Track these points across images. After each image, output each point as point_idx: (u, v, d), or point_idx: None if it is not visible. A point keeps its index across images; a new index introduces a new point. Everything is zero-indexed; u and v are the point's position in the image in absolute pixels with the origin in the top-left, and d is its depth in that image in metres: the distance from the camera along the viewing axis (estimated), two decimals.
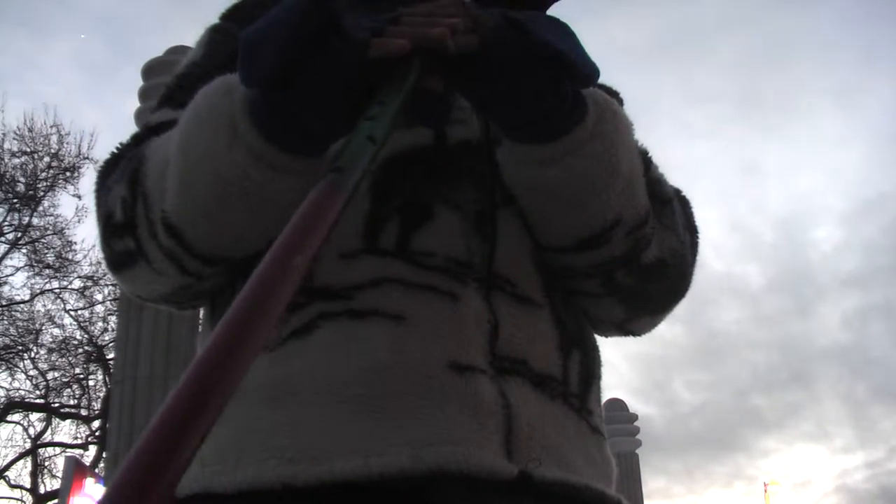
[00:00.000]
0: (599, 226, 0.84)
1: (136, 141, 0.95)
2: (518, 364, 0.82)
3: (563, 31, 0.78)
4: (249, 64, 0.73)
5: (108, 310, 15.55)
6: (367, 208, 0.84)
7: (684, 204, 0.99)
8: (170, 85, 1.01)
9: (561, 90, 0.78)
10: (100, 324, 15.88)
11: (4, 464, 15.95)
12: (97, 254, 19.54)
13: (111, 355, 14.49)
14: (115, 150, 0.97)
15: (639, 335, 1.01)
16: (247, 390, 0.80)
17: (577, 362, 0.87)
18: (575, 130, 0.81)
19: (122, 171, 0.90)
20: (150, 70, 11.79)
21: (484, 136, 0.89)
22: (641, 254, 0.87)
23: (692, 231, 0.97)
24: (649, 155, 0.93)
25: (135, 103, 11.63)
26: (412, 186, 0.85)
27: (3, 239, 15.03)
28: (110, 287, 15.43)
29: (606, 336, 0.99)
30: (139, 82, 11.78)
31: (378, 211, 0.84)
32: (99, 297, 15.86)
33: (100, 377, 16.03)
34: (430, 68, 0.74)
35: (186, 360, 10.83)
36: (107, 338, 15.48)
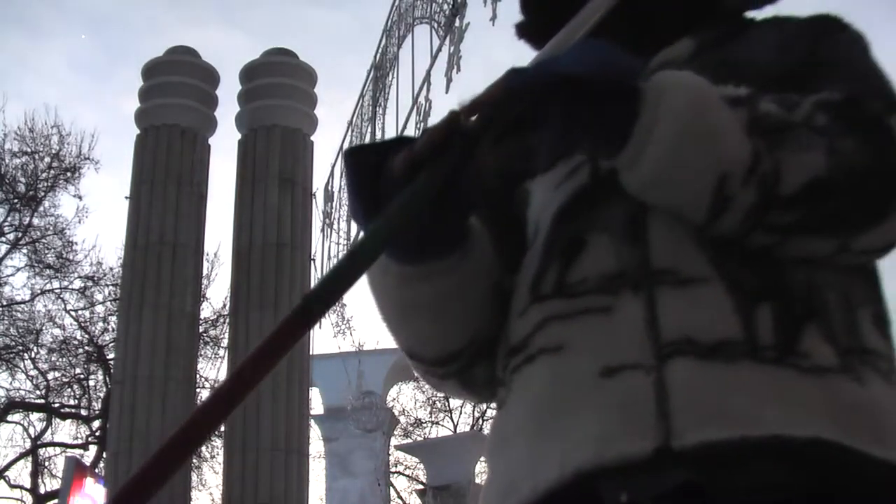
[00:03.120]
0: (708, 193, 0.86)
1: None
2: (682, 344, 0.85)
3: (586, 52, 0.86)
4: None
5: (108, 310, 15.56)
6: (536, 265, 0.96)
7: (842, 109, 0.90)
8: None
9: (600, 106, 0.85)
10: (100, 324, 15.89)
11: (4, 464, 15.96)
12: (97, 254, 19.57)
13: (111, 355, 14.49)
14: None
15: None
16: (495, 446, 0.97)
17: (769, 315, 0.87)
18: (634, 135, 0.86)
19: None
20: (151, 70, 11.80)
21: None
22: (775, 189, 0.86)
23: (862, 130, 0.89)
24: (747, 94, 0.90)
25: (132, 104, 11.68)
26: (573, 227, 0.94)
27: (3, 239, 15.06)
28: (110, 287, 15.45)
29: (873, 259, 0.95)
30: (135, 83, 11.82)
31: (544, 264, 0.95)
32: (99, 297, 15.88)
33: (100, 377, 16.04)
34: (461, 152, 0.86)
35: (186, 360, 10.78)
36: (107, 338, 15.49)
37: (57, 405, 16.09)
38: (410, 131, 7.85)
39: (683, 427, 0.82)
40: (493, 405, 1.03)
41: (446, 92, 7.11)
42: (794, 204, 0.86)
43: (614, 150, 0.87)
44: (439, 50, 7.36)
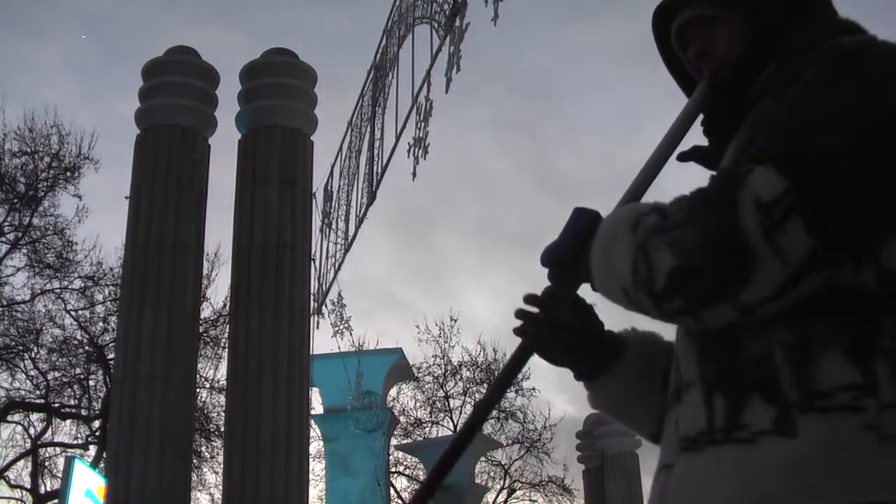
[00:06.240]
0: (627, 302, 1.16)
1: None
2: (683, 441, 1.14)
3: (564, 231, 1.26)
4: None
5: (108, 310, 15.56)
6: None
7: (697, 196, 1.11)
8: None
9: (577, 262, 1.23)
10: (100, 324, 15.89)
11: (4, 464, 15.97)
12: (97, 254, 19.54)
13: (111, 355, 14.48)
14: None
15: (796, 288, 1.05)
16: None
17: (721, 403, 1.10)
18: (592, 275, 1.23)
19: None
20: (150, 70, 11.80)
21: None
22: (653, 287, 1.10)
23: (698, 213, 1.07)
24: (647, 210, 1.15)
25: (131, 105, 11.66)
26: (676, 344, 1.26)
27: (3, 239, 15.04)
28: (110, 287, 15.45)
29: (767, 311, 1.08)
30: (135, 83, 11.80)
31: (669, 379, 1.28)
32: (99, 297, 15.87)
33: (100, 377, 16.03)
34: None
35: (186, 360, 10.66)
36: (107, 338, 15.49)
37: (57, 405, 16.08)
38: (410, 131, 7.85)
39: None
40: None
41: (446, 91, 7.10)
42: (668, 293, 1.09)
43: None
44: (439, 50, 7.35)
